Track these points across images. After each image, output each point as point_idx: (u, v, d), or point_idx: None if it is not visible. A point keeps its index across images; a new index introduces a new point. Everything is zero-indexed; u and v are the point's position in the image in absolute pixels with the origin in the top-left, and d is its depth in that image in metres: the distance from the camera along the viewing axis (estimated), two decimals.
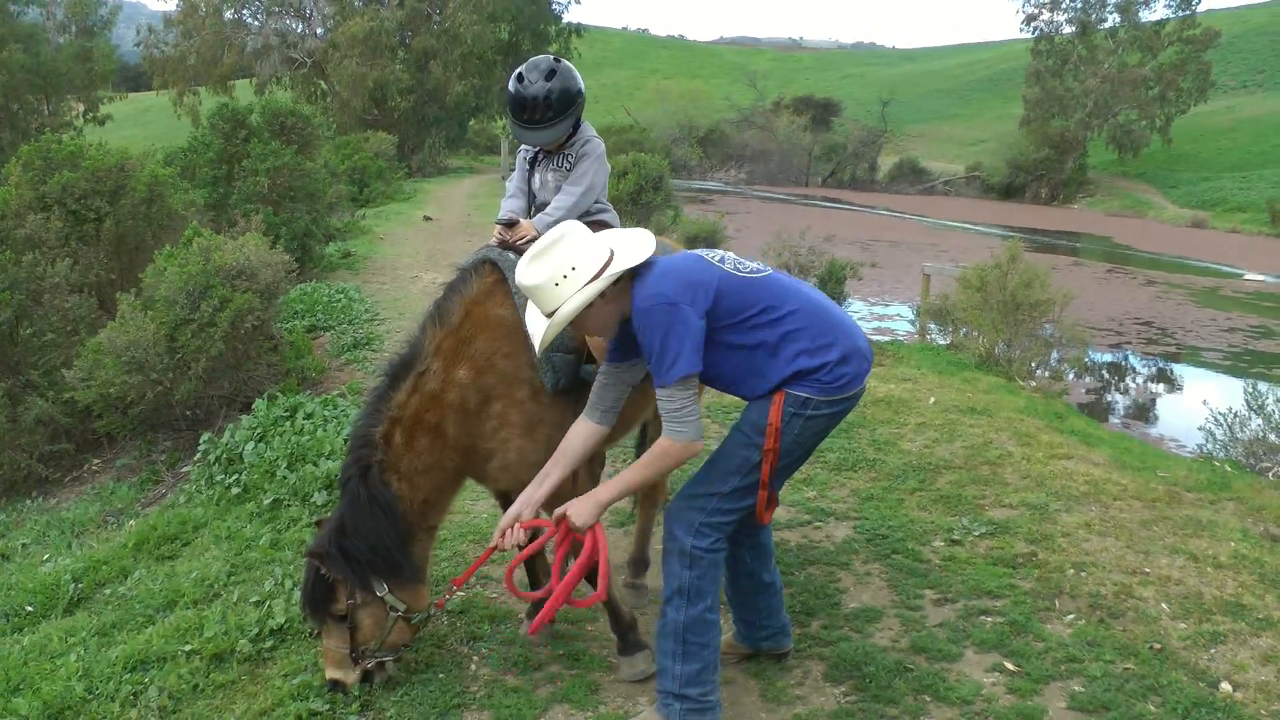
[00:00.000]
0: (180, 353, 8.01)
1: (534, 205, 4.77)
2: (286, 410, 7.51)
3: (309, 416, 7.44)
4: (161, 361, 7.92)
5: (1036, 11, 64.97)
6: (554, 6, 48.53)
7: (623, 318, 3.61)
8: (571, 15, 50.30)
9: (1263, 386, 9.23)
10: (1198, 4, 63.23)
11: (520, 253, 3.86)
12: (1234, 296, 25.30)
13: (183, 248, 8.84)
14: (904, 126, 76.54)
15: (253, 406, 7.67)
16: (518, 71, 4.48)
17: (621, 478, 3.63)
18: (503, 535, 3.73)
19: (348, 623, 3.97)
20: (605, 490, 3.63)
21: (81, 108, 45.30)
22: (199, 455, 7.30)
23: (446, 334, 4.00)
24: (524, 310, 3.80)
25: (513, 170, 4.91)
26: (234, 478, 6.78)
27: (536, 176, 4.73)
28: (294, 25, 45.98)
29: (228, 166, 14.83)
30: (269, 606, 4.76)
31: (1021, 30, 67.32)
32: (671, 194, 20.02)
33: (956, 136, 74.83)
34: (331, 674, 4.02)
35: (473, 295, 4.08)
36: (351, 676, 4.04)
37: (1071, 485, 6.45)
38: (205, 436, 7.39)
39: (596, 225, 4.42)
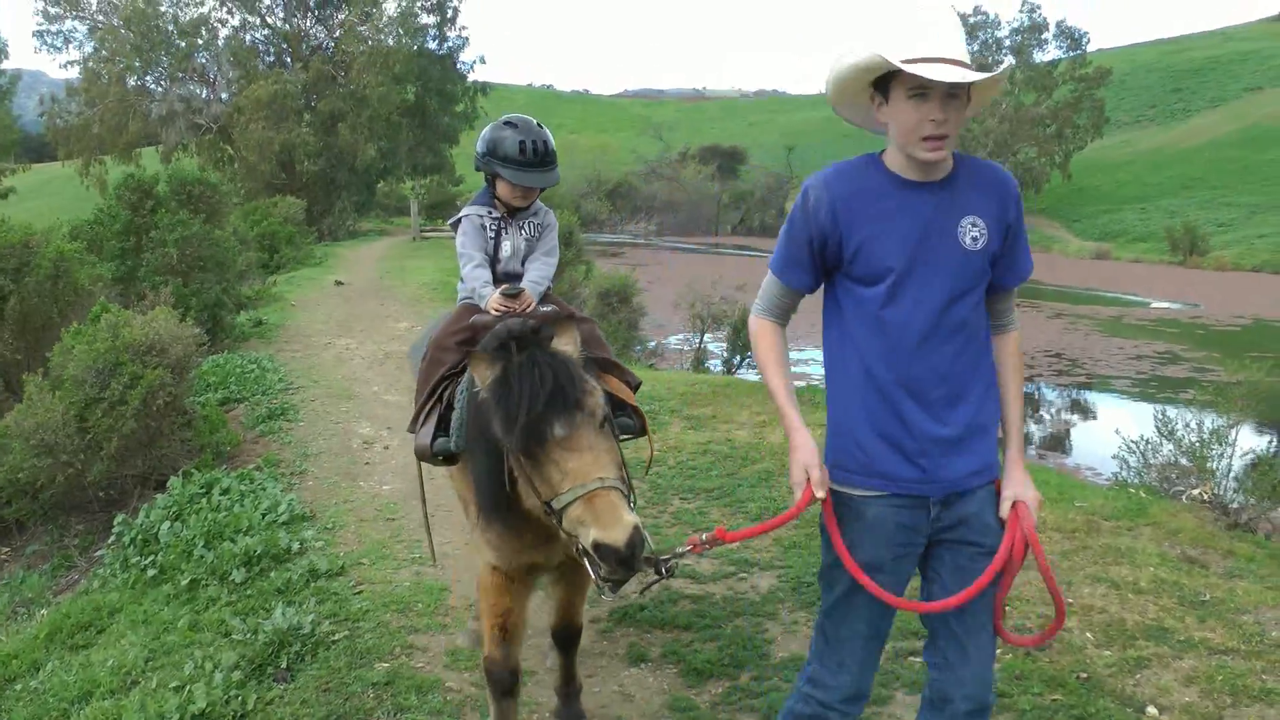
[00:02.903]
0: (91, 433, 7.86)
1: (497, 273, 4.61)
2: (202, 487, 7.41)
3: (225, 492, 7.34)
4: (72, 443, 7.76)
5: None
6: (459, 66, 48.66)
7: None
8: (477, 74, 50.24)
9: (1172, 412, 9.46)
10: (1087, 44, 65.50)
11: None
12: (1139, 324, 26.04)
13: (90, 324, 8.68)
14: (810, 172, 77.46)
15: (168, 485, 7.55)
16: (504, 123, 4.48)
17: (1019, 416, 3.08)
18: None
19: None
20: (1020, 445, 3.04)
21: None
22: (113, 538, 7.14)
23: None
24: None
25: (453, 237, 4.72)
26: (150, 559, 6.63)
27: (507, 244, 4.61)
28: (198, 90, 45.56)
29: (135, 238, 14.61)
30: (189, 691, 4.66)
31: None
32: (583, 249, 20.12)
33: None
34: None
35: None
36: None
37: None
38: (119, 518, 7.24)
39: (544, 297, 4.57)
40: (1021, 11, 66.18)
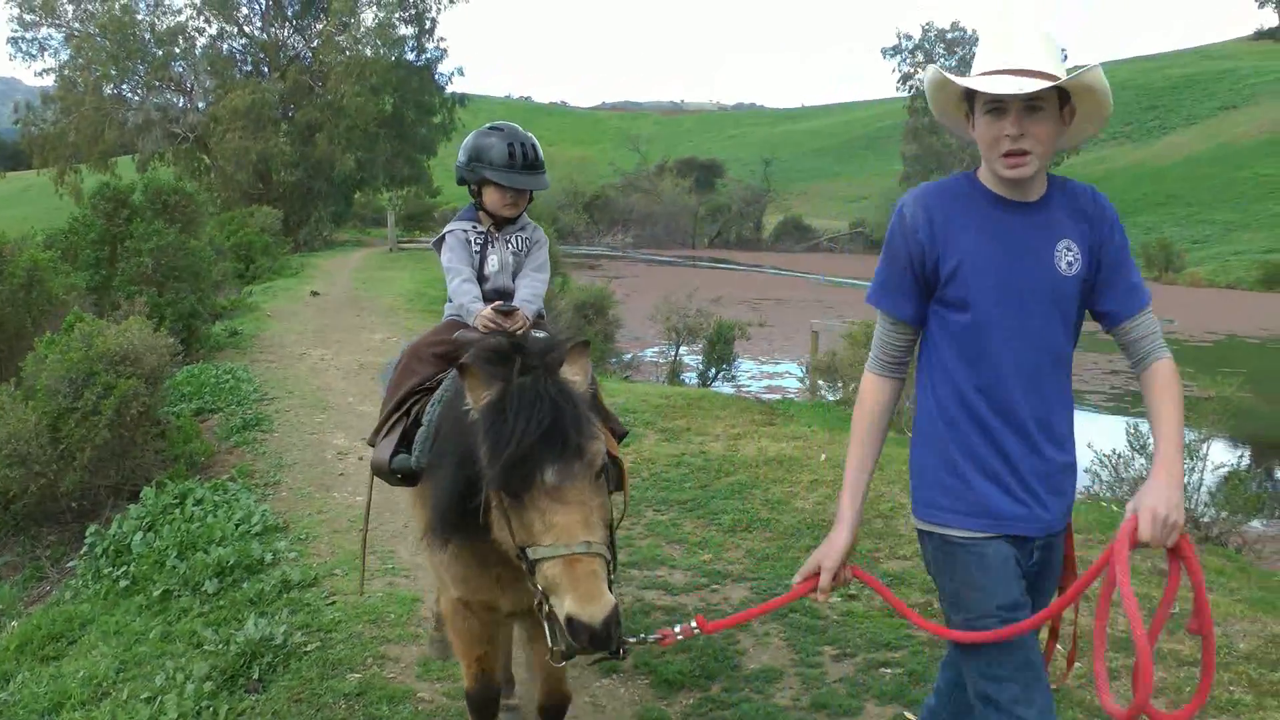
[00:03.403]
0: (64, 443, 7.83)
1: (484, 290, 4.31)
2: (175, 497, 7.40)
3: (199, 503, 7.33)
4: (44, 453, 7.73)
5: (912, 70, 67.26)
6: (437, 78, 48.58)
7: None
8: (455, 86, 50.11)
9: (1144, 427, 9.55)
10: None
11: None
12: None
13: (64, 334, 8.66)
14: (787, 185, 78.25)
15: (141, 495, 7.53)
16: (489, 129, 4.32)
17: (1178, 429, 2.72)
18: (833, 577, 2.83)
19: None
20: (1177, 453, 2.67)
21: None
22: (85, 548, 7.11)
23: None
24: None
25: (442, 252, 4.42)
26: (122, 570, 6.62)
27: (494, 259, 4.34)
28: (175, 100, 45.30)
29: (110, 247, 14.56)
30: (161, 702, 4.66)
31: (898, 89, 69.59)
32: (559, 261, 20.14)
33: (839, 194, 76.74)
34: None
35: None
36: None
37: None
38: (92, 529, 7.22)
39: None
40: None
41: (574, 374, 3.00)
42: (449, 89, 49.25)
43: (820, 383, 13.88)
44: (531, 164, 4.24)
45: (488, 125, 4.36)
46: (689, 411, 10.22)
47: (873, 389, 2.90)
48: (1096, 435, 13.01)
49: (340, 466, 8.77)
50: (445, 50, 49.67)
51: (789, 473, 8.15)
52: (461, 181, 4.41)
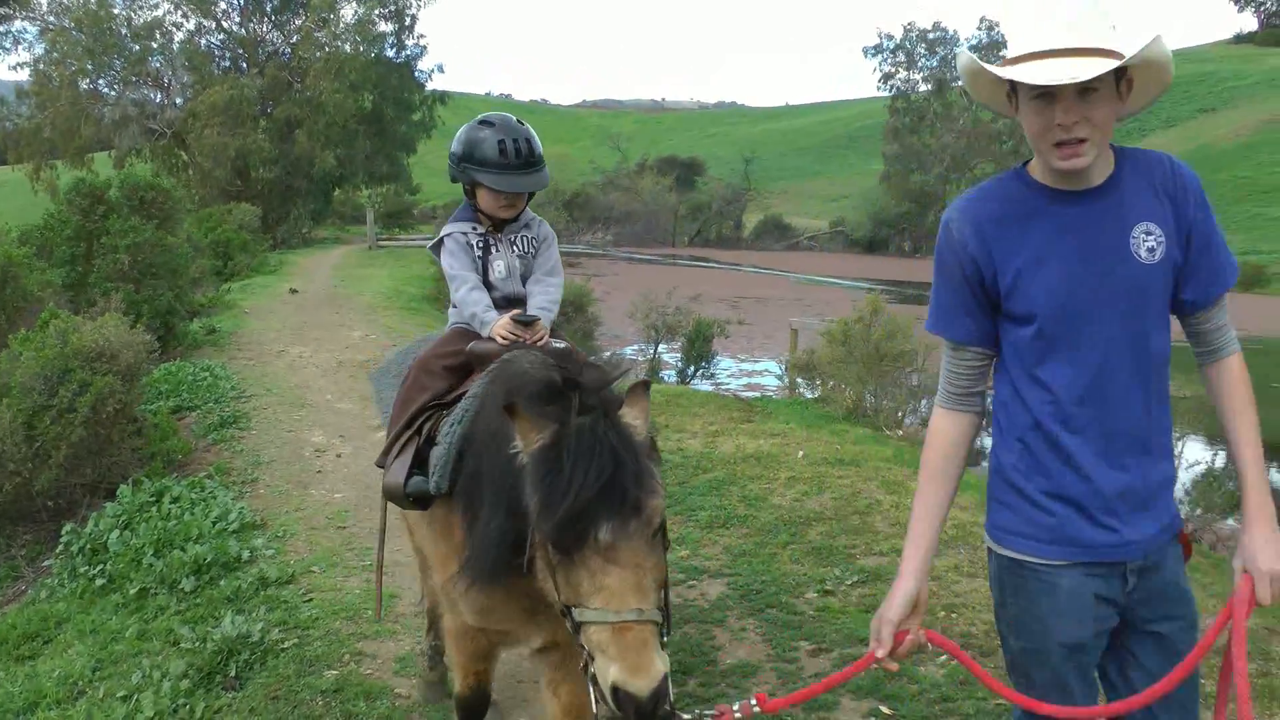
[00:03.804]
0: (39, 441, 7.78)
1: (493, 298, 4.00)
2: (152, 495, 7.38)
3: (175, 500, 7.32)
4: (19, 451, 7.68)
5: (893, 70, 67.57)
6: (417, 75, 48.45)
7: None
8: (435, 83, 49.97)
9: None
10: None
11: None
12: None
13: (39, 331, 8.61)
14: (767, 184, 78.46)
15: (117, 493, 7.50)
16: (480, 122, 3.98)
17: (1260, 456, 2.50)
18: (894, 635, 2.58)
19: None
20: (1268, 492, 2.47)
21: None
22: (61, 547, 7.08)
23: None
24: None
25: (437, 250, 4.17)
26: (98, 568, 6.60)
27: (500, 263, 4.04)
28: (152, 95, 45.06)
29: (86, 244, 14.45)
30: (137, 700, 4.65)
31: (879, 88, 69.91)
32: None
33: (819, 193, 77.01)
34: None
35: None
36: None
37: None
38: (67, 527, 7.19)
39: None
40: (980, 29, 66.95)
41: (634, 417, 2.68)
42: (429, 86, 49.14)
43: (799, 380, 13.92)
44: (527, 161, 3.90)
45: (479, 119, 4.01)
46: (667, 408, 10.25)
47: (939, 425, 2.64)
48: None
49: (318, 464, 8.76)
50: (425, 47, 49.68)
51: (767, 469, 8.17)
52: (456, 179, 4.08)
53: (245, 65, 45.73)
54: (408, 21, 46.01)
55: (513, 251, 4.07)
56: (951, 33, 66.57)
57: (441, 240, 4.10)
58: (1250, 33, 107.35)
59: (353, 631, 5.36)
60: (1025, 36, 2.38)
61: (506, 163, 3.85)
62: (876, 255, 60.01)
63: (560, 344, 3.73)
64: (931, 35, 66.69)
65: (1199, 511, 9.08)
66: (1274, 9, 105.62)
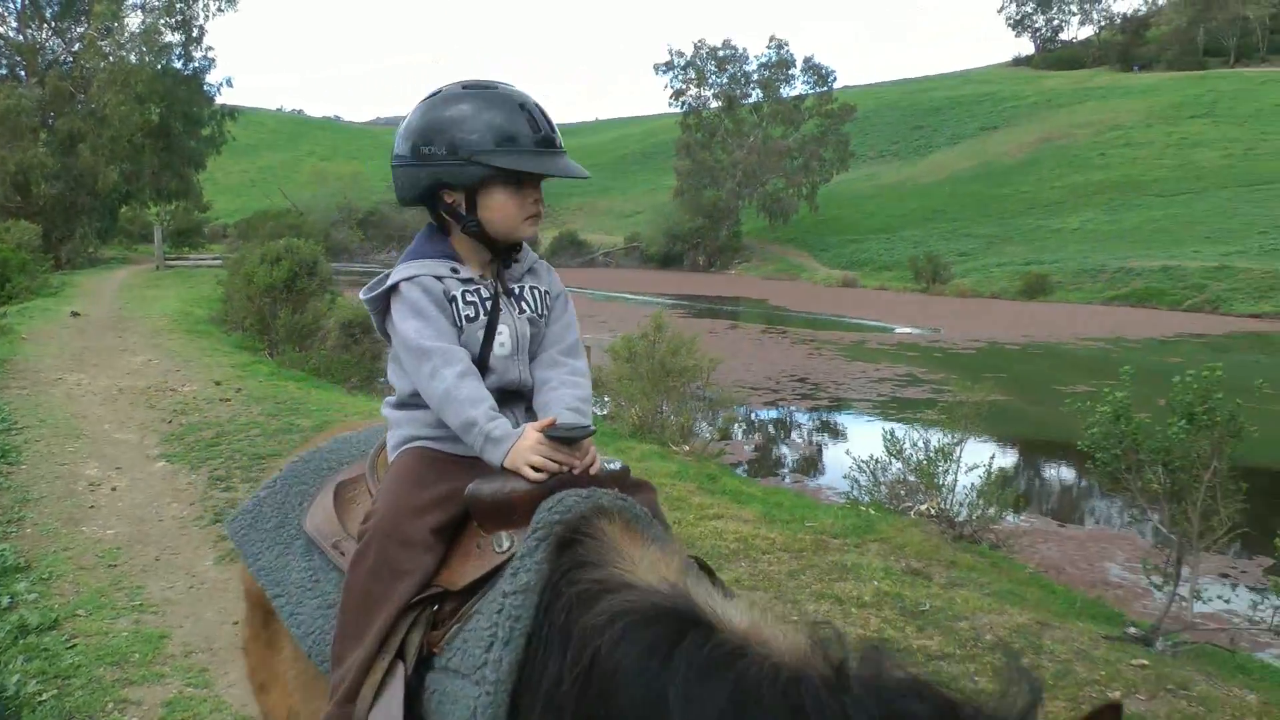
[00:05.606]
0: None
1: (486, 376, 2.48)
2: None
3: None
4: None
5: (684, 87, 69.00)
6: (206, 89, 46.98)
7: None
8: (224, 97, 48.54)
9: (899, 432, 10.01)
10: (834, 81, 68.86)
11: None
12: (881, 348, 27.39)
13: None
14: (562, 201, 79.23)
15: None
16: (466, 90, 2.43)
17: None
18: None
19: None
20: None
21: None
22: None
23: None
24: None
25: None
26: None
27: (504, 332, 2.49)
28: None
29: None
30: None
31: (670, 105, 71.29)
32: (329, 278, 19.73)
33: (614, 209, 78.13)
34: None
35: None
36: None
37: (722, 544, 6.78)
38: None
39: None
40: (769, 47, 68.98)
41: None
42: (218, 100, 47.78)
43: None
44: (556, 142, 2.45)
45: (460, 86, 2.47)
46: None
47: None
48: (861, 442, 13.61)
49: (91, 499, 8.35)
50: (214, 60, 48.41)
51: None
52: (415, 200, 2.51)
53: (24, 74, 43.55)
54: (195, 33, 44.67)
55: (523, 315, 2.55)
56: (741, 50, 68.54)
57: (394, 287, 2.45)
58: (1028, 56, 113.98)
59: (118, 678, 5.11)
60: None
61: (543, 136, 2.42)
62: (672, 270, 61.22)
63: (614, 464, 2.42)
64: (722, 53, 68.44)
65: (977, 514, 9.47)
66: (1048, 35, 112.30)
